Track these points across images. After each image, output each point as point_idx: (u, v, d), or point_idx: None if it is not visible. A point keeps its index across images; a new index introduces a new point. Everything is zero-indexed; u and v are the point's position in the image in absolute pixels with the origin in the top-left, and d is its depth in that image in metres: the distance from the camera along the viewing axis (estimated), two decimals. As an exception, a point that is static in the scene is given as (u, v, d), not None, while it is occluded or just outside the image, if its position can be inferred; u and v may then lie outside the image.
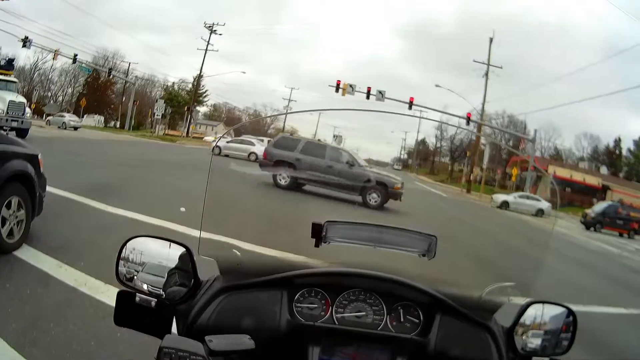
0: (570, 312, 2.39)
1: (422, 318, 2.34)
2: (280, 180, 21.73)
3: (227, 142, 41.52)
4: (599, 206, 50.90)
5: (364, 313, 2.34)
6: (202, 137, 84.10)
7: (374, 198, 22.51)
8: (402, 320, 2.35)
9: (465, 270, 7.92)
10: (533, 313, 2.35)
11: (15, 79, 40.31)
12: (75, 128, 60.47)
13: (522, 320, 2.34)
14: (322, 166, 23.19)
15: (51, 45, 76.42)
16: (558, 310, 2.39)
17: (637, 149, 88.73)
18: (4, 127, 31.08)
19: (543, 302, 2.36)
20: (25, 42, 63.25)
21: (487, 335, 2.29)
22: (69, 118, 63.73)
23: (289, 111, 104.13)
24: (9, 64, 43.10)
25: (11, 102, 34.28)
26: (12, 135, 9.47)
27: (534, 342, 2.34)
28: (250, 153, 41.60)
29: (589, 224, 46.10)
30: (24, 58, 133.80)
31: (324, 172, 22.46)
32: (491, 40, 67.61)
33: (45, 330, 6.03)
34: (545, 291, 2.64)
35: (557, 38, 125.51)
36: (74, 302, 7.09)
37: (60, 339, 5.90)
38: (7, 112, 33.84)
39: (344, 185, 22.18)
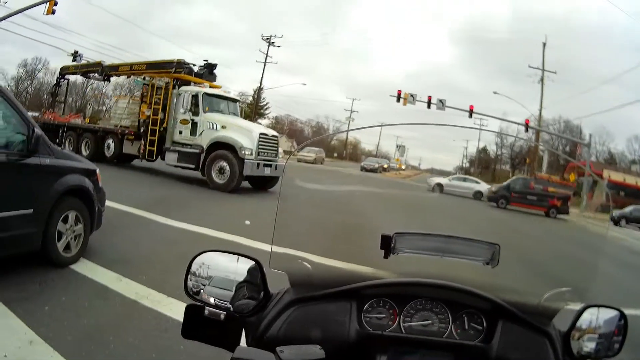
0: (622, 315, 2.41)
1: (485, 325, 2.36)
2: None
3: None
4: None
5: (430, 322, 2.36)
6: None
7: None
8: (466, 327, 2.37)
9: (525, 277, 7.85)
10: (588, 317, 2.37)
11: (236, 97, 31.77)
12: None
13: (578, 324, 2.36)
14: None
15: (102, 59, 76.91)
16: (611, 313, 2.41)
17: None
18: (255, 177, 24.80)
19: (597, 306, 2.38)
20: (75, 56, 63.33)
21: (546, 340, 2.30)
22: None
23: (350, 125, 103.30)
24: (211, 72, 30.84)
25: (262, 137, 24.88)
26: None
27: (589, 346, 2.36)
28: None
29: (492, 199, 44.04)
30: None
31: None
32: (544, 44, 66.98)
33: (104, 343, 6.08)
34: (600, 295, 2.62)
35: (604, 39, 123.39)
36: (134, 314, 7.12)
37: (118, 351, 5.96)
38: (259, 154, 24.17)
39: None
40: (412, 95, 53.57)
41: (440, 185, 47.75)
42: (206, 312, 2.36)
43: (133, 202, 15.33)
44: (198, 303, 2.37)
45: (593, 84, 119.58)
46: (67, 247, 8.74)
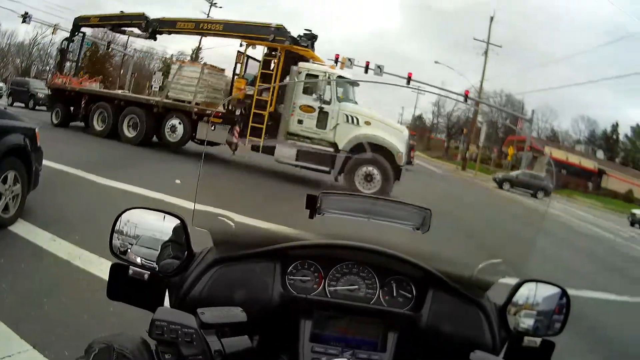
0: (564, 293, 2.38)
1: (414, 293, 2.34)
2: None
3: None
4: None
5: (356, 287, 2.33)
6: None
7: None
8: (394, 294, 2.34)
9: (458, 247, 7.89)
10: (526, 292, 2.35)
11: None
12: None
13: (514, 299, 2.34)
14: None
15: (51, 20, 76.13)
16: (552, 290, 2.38)
17: (635, 136, 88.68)
18: None
19: (536, 281, 2.36)
20: (25, 17, 62.53)
21: (480, 312, 2.28)
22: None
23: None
24: (312, 44, 25.02)
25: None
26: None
27: (527, 322, 2.34)
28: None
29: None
30: (23, 34, 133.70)
31: None
32: (492, 19, 67.25)
33: (39, 305, 6.04)
34: (537, 272, 2.59)
35: (557, 20, 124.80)
36: (67, 276, 7.13)
37: (53, 313, 5.92)
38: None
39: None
40: (349, 60, 53.31)
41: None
42: (130, 272, 2.30)
43: (71, 162, 15.13)
44: (123, 262, 2.31)
45: (541, 62, 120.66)
46: (6, 208, 8.63)
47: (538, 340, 2.33)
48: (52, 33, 72.93)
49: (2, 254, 7.41)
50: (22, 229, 8.70)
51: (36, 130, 9.57)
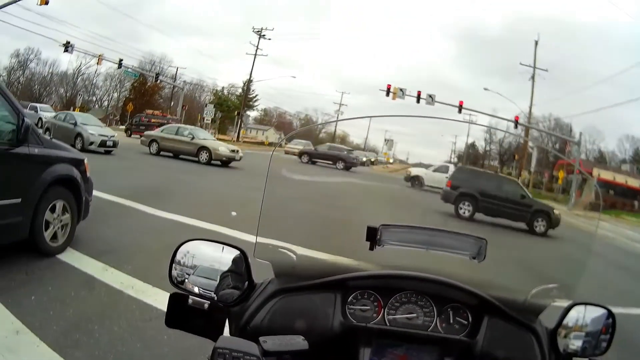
0: (610, 314, 2.38)
1: (470, 320, 2.35)
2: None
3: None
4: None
5: (414, 315, 2.34)
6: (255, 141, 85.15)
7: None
8: (451, 322, 2.35)
9: (512, 273, 7.86)
10: (575, 315, 2.35)
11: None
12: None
13: (565, 322, 2.34)
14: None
15: (94, 50, 76.98)
16: (599, 311, 2.39)
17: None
18: None
19: (585, 304, 2.36)
20: (67, 46, 63.16)
21: (532, 336, 2.29)
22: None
23: (339, 117, 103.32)
24: None
25: None
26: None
27: (575, 344, 2.34)
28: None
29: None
30: (66, 63, 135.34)
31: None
32: (536, 43, 66.94)
33: (89, 332, 6.08)
34: (588, 293, 2.59)
35: (598, 39, 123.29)
36: (119, 304, 7.14)
37: (104, 340, 5.96)
38: None
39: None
40: (401, 90, 53.65)
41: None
42: (190, 301, 2.33)
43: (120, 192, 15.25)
44: (182, 292, 2.34)
45: (585, 83, 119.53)
46: (54, 237, 8.72)
47: None
48: (97, 63, 73.78)
49: (50, 282, 7.48)
50: (71, 257, 8.75)
51: (85, 161, 9.70)
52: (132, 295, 7.42)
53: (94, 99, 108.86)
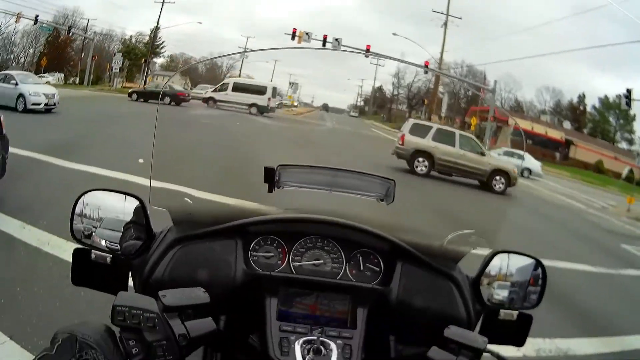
0: (538, 264, 2.35)
1: (382, 266, 2.29)
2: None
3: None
4: None
5: (322, 261, 2.28)
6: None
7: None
8: (362, 268, 2.29)
9: (425, 217, 7.90)
10: (498, 263, 2.29)
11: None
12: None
13: (487, 270, 2.28)
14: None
15: (14, 9, 75.72)
16: (525, 261, 2.35)
17: (603, 107, 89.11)
18: None
19: (509, 252, 2.30)
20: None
21: (451, 284, 2.23)
22: None
23: (244, 63, 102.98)
24: None
25: None
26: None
27: (501, 294, 2.30)
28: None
29: None
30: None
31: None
32: (449, -11, 67.49)
33: (13, 295, 6.05)
34: (510, 243, 2.59)
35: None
36: (38, 263, 7.10)
37: (26, 303, 5.92)
38: None
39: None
40: (307, 34, 53.63)
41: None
42: (93, 255, 2.25)
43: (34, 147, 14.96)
44: (86, 247, 2.26)
45: (503, 32, 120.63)
46: (-26, 198, 8.38)
47: (515, 313, 2.31)
48: (15, 21, 72.56)
49: None
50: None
51: (0, 118, 9.45)
52: (49, 252, 7.37)
53: (12, 56, 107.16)
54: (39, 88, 30.60)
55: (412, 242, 2.28)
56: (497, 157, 27.15)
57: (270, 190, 2.58)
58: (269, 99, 52.86)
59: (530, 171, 40.38)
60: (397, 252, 2.26)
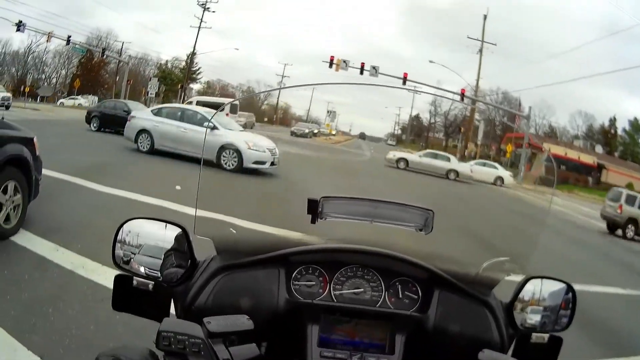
0: (569, 288, 2.38)
1: (420, 294, 2.33)
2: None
3: None
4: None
5: (362, 290, 2.32)
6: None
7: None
8: (400, 296, 2.33)
9: (462, 246, 7.91)
10: (531, 289, 2.35)
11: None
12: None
13: (520, 295, 2.33)
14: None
15: (45, 27, 76.26)
16: (557, 286, 2.38)
17: (632, 129, 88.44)
18: None
19: (542, 278, 2.35)
20: (19, 26, 62.56)
21: (486, 310, 2.27)
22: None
23: (282, 87, 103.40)
24: None
25: None
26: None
27: (533, 318, 2.34)
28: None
29: None
30: (18, 42, 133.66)
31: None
32: (485, 17, 67.65)
33: (44, 315, 6.02)
34: (542, 269, 2.59)
35: (552, 15, 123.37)
36: (71, 285, 7.10)
37: (59, 324, 5.90)
38: None
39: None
40: (344, 61, 54.80)
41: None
42: (134, 282, 2.31)
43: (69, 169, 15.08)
44: (127, 273, 2.31)
45: (536, 58, 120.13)
46: (7, 219, 8.58)
47: (546, 336, 2.34)
48: (47, 41, 73.11)
49: (5, 265, 7.40)
50: (23, 239, 8.65)
51: (34, 139, 9.53)
52: (83, 275, 7.39)
53: (43, 76, 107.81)
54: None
55: (449, 270, 2.33)
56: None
57: (313, 221, 2.59)
58: (227, 114, 52.03)
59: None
60: (434, 280, 2.30)
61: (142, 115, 25.44)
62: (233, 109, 56.14)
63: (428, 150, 51.54)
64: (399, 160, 44.32)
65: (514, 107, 77.01)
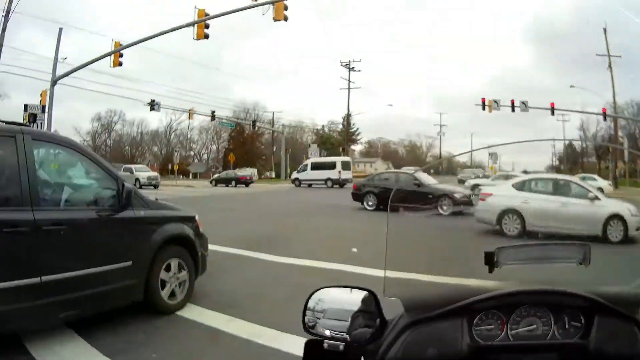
0: None
1: (582, 322, 2.39)
2: None
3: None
4: None
5: (534, 326, 2.40)
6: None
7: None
8: (567, 327, 2.40)
9: (614, 267, 7.58)
10: None
11: None
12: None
13: None
14: None
15: (180, 105, 79.75)
16: None
17: None
18: None
19: None
20: (153, 105, 65.15)
21: (635, 327, 2.33)
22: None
23: (442, 138, 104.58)
24: None
25: None
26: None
27: None
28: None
29: None
30: (153, 121, 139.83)
31: None
32: (605, 30, 65.94)
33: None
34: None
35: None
36: (249, 354, 7.15)
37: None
38: None
39: None
40: (495, 102, 56.70)
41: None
42: (325, 345, 2.43)
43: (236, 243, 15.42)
44: (316, 337, 2.46)
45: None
46: (172, 294, 8.85)
47: None
48: (189, 118, 76.47)
49: (171, 339, 7.62)
50: (192, 313, 8.81)
51: (196, 217, 9.94)
52: (262, 343, 7.34)
53: (192, 153, 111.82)
54: None
55: (605, 294, 2.40)
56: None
57: (490, 271, 2.69)
58: (339, 172, 63.06)
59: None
60: (594, 307, 2.36)
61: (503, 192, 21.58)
62: (344, 166, 63.60)
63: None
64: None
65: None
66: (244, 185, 64.29)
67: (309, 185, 64.05)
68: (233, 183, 64.74)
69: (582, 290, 2.37)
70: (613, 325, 2.31)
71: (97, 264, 7.42)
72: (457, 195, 25.69)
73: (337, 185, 61.62)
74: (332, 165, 64.43)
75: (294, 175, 70.53)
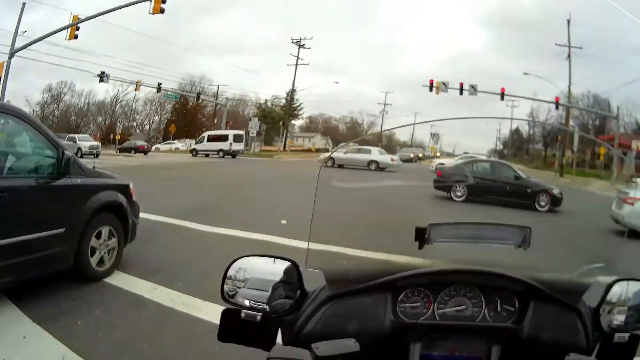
0: None
1: (517, 306, 2.39)
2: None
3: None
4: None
5: (463, 307, 2.40)
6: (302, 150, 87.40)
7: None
8: (499, 310, 2.40)
9: (557, 255, 7.77)
10: (618, 291, 2.42)
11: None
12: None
13: (608, 298, 2.40)
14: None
15: (130, 77, 78.91)
16: None
17: None
18: None
19: (628, 280, 2.42)
20: (102, 76, 64.89)
21: (575, 316, 2.32)
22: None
23: (384, 117, 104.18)
24: None
25: None
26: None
27: (619, 319, 2.41)
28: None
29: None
30: (102, 93, 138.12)
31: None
32: (569, 22, 66.75)
33: (139, 351, 6.15)
34: (634, 269, 2.61)
35: (633, 8, 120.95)
36: (170, 321, 7.20)
37: (154, 357, 6.03)
38: None
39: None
40: (444, 84, 56.46)
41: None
42: (243, 314, 2.41)
43: (168, 212, 15.42)
44: (234, 307, 2.43)
45: (621, 56, 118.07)
46: (101, 262, 8.84)
47: (627, 335, 2.39)
48: (136, 89, 75.62)
49: (98, 306, 7.57)
50: (119, 280, 8.83)
51: (130, 185, 9.93)
52: (183, 311, 7.45)
53: (134, 124, 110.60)
54: None
55: (545, 280, 2.39)
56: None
57: (420, 247, 2.66)
58: (230, 144, 66.74)
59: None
60: (530, 292, 2.36)
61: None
62: (235, 139, 66.81)
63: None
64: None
65: (604, 109, 76.31)
66: (142, 154, 65.27)
67: (206, 155, 66.33)
68: (132, 152, 65.84)
69: (517, 273, 2.38)
70: (551, 312, 2.34)
71: (32, 231, 7.37)
72: (555, 192, 25.05)
73: (230, 156, 65.30)
74: (225, 138, 67.74)
75: (193, 145, 74.47)
